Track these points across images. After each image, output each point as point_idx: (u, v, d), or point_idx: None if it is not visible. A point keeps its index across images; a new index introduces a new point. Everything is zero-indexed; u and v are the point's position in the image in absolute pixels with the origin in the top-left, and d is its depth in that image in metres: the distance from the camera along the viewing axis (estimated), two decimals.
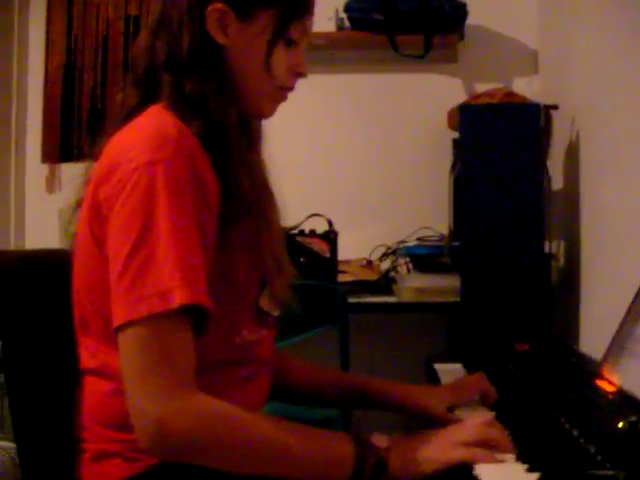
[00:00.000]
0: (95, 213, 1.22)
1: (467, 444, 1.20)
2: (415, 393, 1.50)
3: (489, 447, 1.19)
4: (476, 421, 1.26)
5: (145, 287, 1.12)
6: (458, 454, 1.19)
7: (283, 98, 1.37)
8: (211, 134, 1.23)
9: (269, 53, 1.30)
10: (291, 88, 1.37)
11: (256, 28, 1.30)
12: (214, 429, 1.13)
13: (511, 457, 1.18)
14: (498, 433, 1.22)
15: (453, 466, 1.20)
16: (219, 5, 1.28)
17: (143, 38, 1.34)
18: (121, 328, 1.13)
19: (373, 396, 1.52)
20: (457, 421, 1.37)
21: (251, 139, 1.37)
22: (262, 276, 1.31)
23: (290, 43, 1.32)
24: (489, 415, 1.38)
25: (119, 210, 1.16)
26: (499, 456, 1.18)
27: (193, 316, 1.15)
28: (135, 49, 1.35)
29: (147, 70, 1.31)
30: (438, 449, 1.21)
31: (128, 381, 1.13)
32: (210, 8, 1.28)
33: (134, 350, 1.12)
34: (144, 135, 1.20)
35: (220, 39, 1.29)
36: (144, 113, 1.27)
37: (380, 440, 1.21)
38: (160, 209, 1.14)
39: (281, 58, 1.32)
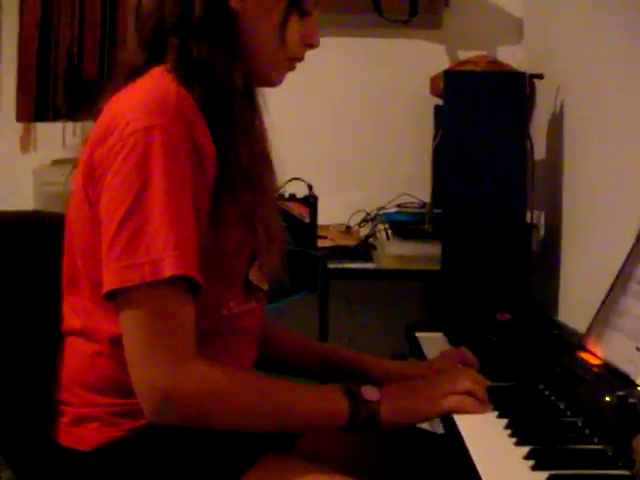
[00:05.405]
0: (90, 174, 1.21)
1: (457, 393, 1.25)
2: (396, 368, 1.51)
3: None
4: (466, 372, 1.32)
5: (138, 254, 1.11)
6: (449, 404, 1.24)
7: (292, 68, 1.37)
8: (214, 101, 1.22)
9: (284, 22, 1.29)
10: (301, 59, 1.36)
11: None
12: (218, 395, 1.16)
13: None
14: (482, 388, 1.27)
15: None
16: None
17: None
18: (115, 295, 1.13)
19: (355, 372, 1.52)
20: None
21: (254, 108, 1.36)
22: (252, 249, 1.30)
23: (304, 14, 1.31)
24: (472, 369, 1.43)
25: (114, 174, 1.15)
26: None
27: (186, 286, 1.14)
28: (143, 8, 1.31)
29: (155, 31, 1.28)
30: (428, 399, 1.26)
31: (130, 350, 1.14)
32: None
33: (132, 319, 1.13)
34: (143, 99, 1.18)
35: (234, 4, 1.27)
36: (146, 75, 1.24)
37: (371, 392, 1.25)
38: (155, 175, 1.13)
39: (295, 28, 1.30)
